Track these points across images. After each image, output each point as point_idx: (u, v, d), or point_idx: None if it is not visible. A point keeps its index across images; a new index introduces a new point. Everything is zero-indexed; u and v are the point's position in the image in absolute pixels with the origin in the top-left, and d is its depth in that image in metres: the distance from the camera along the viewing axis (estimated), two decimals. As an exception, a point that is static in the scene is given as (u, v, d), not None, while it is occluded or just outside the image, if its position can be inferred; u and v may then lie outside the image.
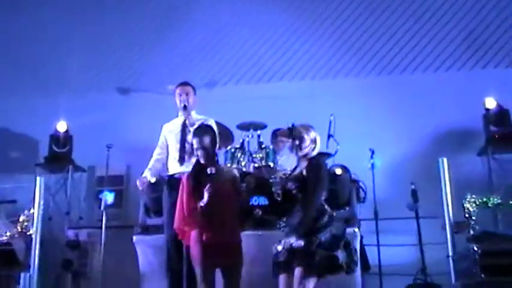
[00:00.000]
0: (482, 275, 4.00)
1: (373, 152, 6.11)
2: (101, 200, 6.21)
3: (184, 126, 5.39)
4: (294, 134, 4.42)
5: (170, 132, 5.48)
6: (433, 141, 7.56)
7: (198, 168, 4.35)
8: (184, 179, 4.39)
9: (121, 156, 7.24)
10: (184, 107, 5.43)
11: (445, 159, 5.33)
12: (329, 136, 6.09)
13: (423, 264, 6.01)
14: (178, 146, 5.29)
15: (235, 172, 4.65)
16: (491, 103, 7.34)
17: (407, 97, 7.76)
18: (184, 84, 5.59)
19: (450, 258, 4.98)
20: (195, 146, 4.36)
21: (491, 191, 6.59)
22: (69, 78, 8.75)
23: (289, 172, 4.62)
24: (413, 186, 6.21)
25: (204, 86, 8.40)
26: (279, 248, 4.18)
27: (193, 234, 4.21)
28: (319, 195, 4.18)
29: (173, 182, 5.13)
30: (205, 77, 8.50)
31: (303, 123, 4.54)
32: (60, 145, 7.99)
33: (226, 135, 6.40)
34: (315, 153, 4.39)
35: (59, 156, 8.00)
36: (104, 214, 6.08)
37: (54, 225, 7.57)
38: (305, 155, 4.35)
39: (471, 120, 7.45)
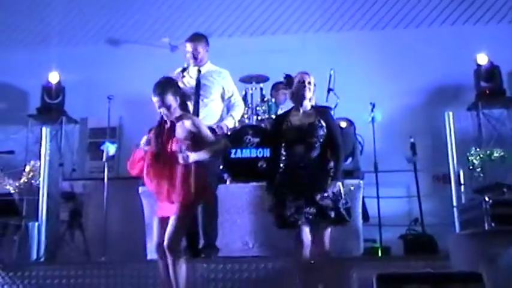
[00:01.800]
0: (493, 224, 4.16)
1: (373, 106, 6.21)
2: (102, 151, 6.19)
3: (198, 80, 5.34)
4: (291, 81, 4.45)
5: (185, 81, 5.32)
6: (428, 96, 7.70)
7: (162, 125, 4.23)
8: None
9: (113, 108, 7.17)
10: (195, 61, 5.39)
11: (450, 113, 5.43)
12: (329, 90, 6.17)
13: (421, 215, 6.20)
14: (192, 100, 5.20)
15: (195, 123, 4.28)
16: (482, 59, 7.45)
17: (401, 52, 7.81)
18: (193, 39, 5.47)
19: (455, 209, 5.13)
20: (156, 105, 4.17)
21: (480, 145, 6.82)
22: (58, 29, 8.62)
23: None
24: (412, 140, 6.36)
25: (197, 38, 8.38)
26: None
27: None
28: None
29: None
30: (198, 29, 8.33)
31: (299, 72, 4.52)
32: (53, 96, 7.92)
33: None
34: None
35: (51, 108, 7.94)
36: (106, 165, 6.06)
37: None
38: (309, 100, 4.36)
39: (463, 75, 7.56)
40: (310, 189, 4.06)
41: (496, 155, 5.47)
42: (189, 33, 8.19)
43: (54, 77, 7.98)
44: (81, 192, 7.30)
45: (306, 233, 4.07)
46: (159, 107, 4.14)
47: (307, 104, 4.34)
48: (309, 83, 4.35)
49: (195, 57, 5.39)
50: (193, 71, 5.39)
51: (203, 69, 5.44)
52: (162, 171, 4.10)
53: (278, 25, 8.37)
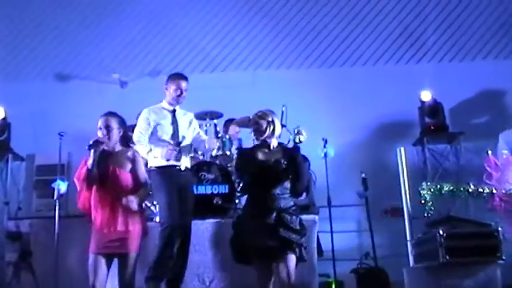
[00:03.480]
0: (447, 257, 4.28)
1: (326, 142, 6.33)
2: (53, 188, 6.03)
3: (175, 121, 5.27)
4: (253, 121, 4.49)
5: (161, 119, 5.26)
6: (376, 131, 7.92)
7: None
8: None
9: (62, 145, 7.03)
10: (178, 101, 5.31)
11: (402, 149, 5.60)
12: (281, 126, 6.24)
13: (373, 249, 6.33)
14: (174, 139, 5.15)
15: (135, 155, 4.51)
16: (426, 96, 7.74)
17: (348, 89, 8.06)
18: (183, 77, 5.37)
19: (408, 242, 5.25)
20: (99, 124, 4.42)
21: (425, 179, 7.04)
22: (3, 64, 8.50)
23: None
24: (363, 175, 6.50)
25: (148, 75, 8.39)
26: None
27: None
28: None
29: (172, 171, 5.09)
30: (148, 65, 8.45)
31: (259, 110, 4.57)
32: (-2, 133, 7.72)
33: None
34: (277, 134, 4.48)
35: (-4, 144, 7.73)
36: (57, 203, 5.90)
37: (-10, 216, 7.31)
38: (269, 138, 4.40)
39: (408, 111, 7.84)
40: (274, 225, 4.09)
41: (446, 189, 5.65)
42: (139, 70, 8.42)
43: (-1, 113, 7.78)
44: (28, 231, 7.06)
45: (268, 268, 4.08)
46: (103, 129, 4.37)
47: (273, 142, 4.40)
48: (262, 123, 4.39)
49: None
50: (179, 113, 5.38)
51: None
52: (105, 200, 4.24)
53: (228, 62, 8.50)
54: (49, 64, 8.55)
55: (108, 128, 4.39)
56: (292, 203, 4.25)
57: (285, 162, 4.22)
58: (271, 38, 8.52)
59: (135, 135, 5.18)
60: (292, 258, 4.09)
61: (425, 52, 8.41)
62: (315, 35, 8.52)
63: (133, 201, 4.22)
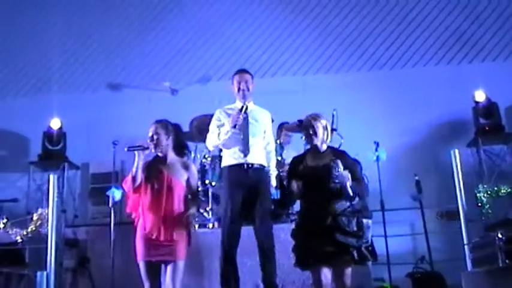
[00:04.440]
0: (507, 261, 4.17)
1: (377, 145, 6.26)
2: (108, 197, 6.16)
3: (246, 115, 5.11)
4: (304, 124, 4.47)
5: (230, 118, 5.13)
6: (428, 133, 7.78)
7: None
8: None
9: (116, 153, 7.18)
10: (243, 95, 5.17)
11: (456, 151, 5.49)
12: (332, 130, 6.21)
13: (429, 252, 6.20)
14: (241, 136, 5.05)
15: (190, 167, 4.53)
16: (480, 96, 7.60)
17: (399, 91, 7.95)
18: (243, 71, 5.32)
19: (466, 246, 5.13)
20: (150, 133, 4.48)
21: (482, 181, 6.88)
22: (58, 76, 8.72)
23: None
24: (417, 177, 6.40)
25: (197, 82, 8.49)
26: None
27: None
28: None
29: (237, 173, 5.01)
30: (198, 72, 8.55)
31: (310, 113, 4.54)
32: (54, 142, 7.94)
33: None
34: (329, 139, 4.46)
35: (53, 154, 7.96)
36: (112, 211, 6.02)
37: (49, 224, 7.51)
38: (322, 143, 4.38)
39: (461, 112, 7.71)
40: (331, 230, 4.06)
41: (503, 191, 5.51)
42: (189, 77, 8.52)
43: (55, 123, 8.02)
44: (84, 238, 7.22)
45: (325, 273, 4.06)
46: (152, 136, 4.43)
47: (323, 146, 4.37)
48: (316, 127, 4.37)
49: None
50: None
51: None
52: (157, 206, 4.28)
53: (277, 67, 8.53)
54: (101, 74, 8.75)
55: (154, 135, 4.44)
56: (347, 205, 4.19)
57: (336, 164, 4.17)
58: (319, 42, 8.51)
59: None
60: (348, 263, 4.07)
61: (478, 52, 8.23)
62: (363, 37, 8.47)
63: (194, 215, 4.27)
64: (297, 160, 4.42)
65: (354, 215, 4.18)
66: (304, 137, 4.46)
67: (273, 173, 5.27)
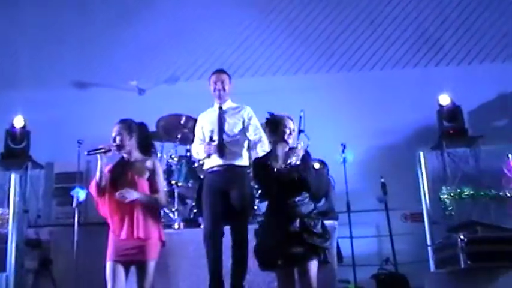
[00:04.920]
0: (469, 262, 4.23)
1: (344, 147, 6.30)
2: (72, 196, 6.07)
3: (221, 116, 5.13)
4: (278, 120, 4.38)
5: (207, 122, 5.18)
6: (394, 136, 7.84)
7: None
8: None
9: (81, 152, 7.08)
10: (219, 95, 5.19)
11: (422, 153, 5.55)
12: (300, 131, 6.24)
13: (394, 254, 6.27)
14: (217, 137, 5.02)
15: (155, 164, 4.50)
16: (445, 100, 7.69)
17: (367, 94, 8.01)
18: (220, 71, 5.31)
19: (429, 248, 5.20)
20: (113, 133, 4.47)
21: (445, 184, 6.97)
22: (22, 73, 8.54)
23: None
24: (382, 180, 6.46)
25: (165, 82, 8.43)
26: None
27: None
28: None
29: (213, 176, 4.98)
30: (166, 72, 8.49)
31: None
32: (17, 141, 7.79)
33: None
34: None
35: (16, 153, 7.80)
36: (76, 211, 5.93)
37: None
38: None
39: (427, 115, 7.79)
40: (298, 232, 4.06)
41: (466, 193, 5.59)
42: (157, 77, 8.46)
43: (18, 121, 7.86)
44: (47, 239, 7.11)
45: (291, 274, 4.06)
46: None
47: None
48: (292, 129, 4.37)
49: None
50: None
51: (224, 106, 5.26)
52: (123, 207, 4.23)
53: (246, 68, 8.52)
54: (67, 72, 8.59)
55: (117, 136, 4.43)
56: (313, 207, 4.21)
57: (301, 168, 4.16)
58: (288, 43, 8.54)
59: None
60: (314, 264, 4.07)
61: (444, 55, 8.36)
62: (333, 39, 8.53)
63: (129, 193, 4.19)
64: (261, 162, 4.37)
65: (318, 217, 4.18)
66: (273, 133, 4.35)
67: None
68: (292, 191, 4.12)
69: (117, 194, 4.18)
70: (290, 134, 4.30)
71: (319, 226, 4.12)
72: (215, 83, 5.19)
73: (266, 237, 4.17)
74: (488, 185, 6.09)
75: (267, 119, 4.52)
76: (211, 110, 5.25)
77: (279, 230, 4.08)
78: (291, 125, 4.34)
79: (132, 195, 4.20)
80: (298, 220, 4.07)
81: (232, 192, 4.90)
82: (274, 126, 4.35)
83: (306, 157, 4.33)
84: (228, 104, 5.25)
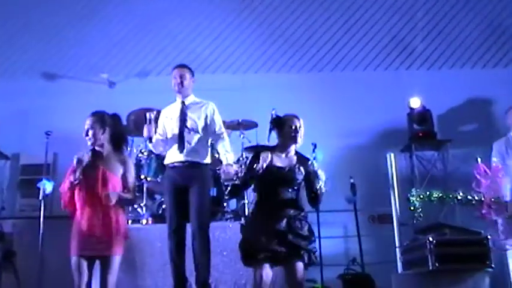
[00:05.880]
0: (437, 264, 4.28)
1: (315, 146, 6.28)
2: (38, 189, 5.96)
3: (182, 111, 5.13)
4: (285, 121, 4.54)
5: (167, 117, 5.20)
6: (364, 137, 7.89)
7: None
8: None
9: (48, 144, 6.95)
10: (178, 90, 5.18)
11: (392, 155, 5.59)
12: (270, 130, 6.22)
13: (361, 255, 6.30)
14: (177, 132, 5.05)
15: (127, 162, 4.48)
16: (415, 103, 7.77)
17: (338, 94, 8.03)
18: (180, 66, 5.31)
19: (397, 249, 5.24)
20: (85, 126, 4.41)
21: (413, 186, 7.04)
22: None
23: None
24: (352, 180, 6.48)
25: (136, 75, 8.34)
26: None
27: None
28: None
29: (173, 172, 5.02)
30: (136, 66, 8.38)
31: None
32: (-17, 131, 7.60)
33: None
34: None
35: (-19, 143, 7.61)
36: (42, 204, 5.83)
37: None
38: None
39: (397, 118, 7.85)
40: (284, 231, 4.07)
41: (435, 196, 5.65)
42: (128, 70, 8.36)
43: (-16, 111, 7.67)
44: (11, 231, 6.99)
45: (267, 271, 4.05)
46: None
47: (292, 148, 4.35)
48: (300, 127, 4.38)
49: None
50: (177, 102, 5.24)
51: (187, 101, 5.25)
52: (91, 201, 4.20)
53: (218, 64, 8.45)
54: (36, 62, 8.40)
55: (90, 129, 4.37)
56: (301, 209, 4.24)
57: (300, 171, 4.18)
58: (261, 41, 8.50)
59: None
60: (300, 265, 4.09)
61: (415, 59, 8.43)
62: (305, 39, 8.51)
63: (114, 195, 4.16)
64: (264, 156, 4.29)
65: (306, 219, 4.26)
66: (282, 132, 4.45)
67: (230, 153, 5.17)
68: (285, 190, 4.14)
69: (104, 196, 4.14)
70: (297, 132, 4.32)
71: (306, 228, 4.19)
72: (175, 77, 5.21)
73: (251, 233, 4.19)
74: (454, 188, 6.16)
75: (272, 119, 4.56)
76: (174, 105, 5.25)
77: (265, 226, 4.12)
78: (297, 123, 4.36)
79: (116, 196, 4.18)
80: (285, 220, 4.10)
81: (192, 189, 4.93)
82: (280, 126, 4.39)
83: (303, 158, 4.37)
84: (190, 99, 5.25)
